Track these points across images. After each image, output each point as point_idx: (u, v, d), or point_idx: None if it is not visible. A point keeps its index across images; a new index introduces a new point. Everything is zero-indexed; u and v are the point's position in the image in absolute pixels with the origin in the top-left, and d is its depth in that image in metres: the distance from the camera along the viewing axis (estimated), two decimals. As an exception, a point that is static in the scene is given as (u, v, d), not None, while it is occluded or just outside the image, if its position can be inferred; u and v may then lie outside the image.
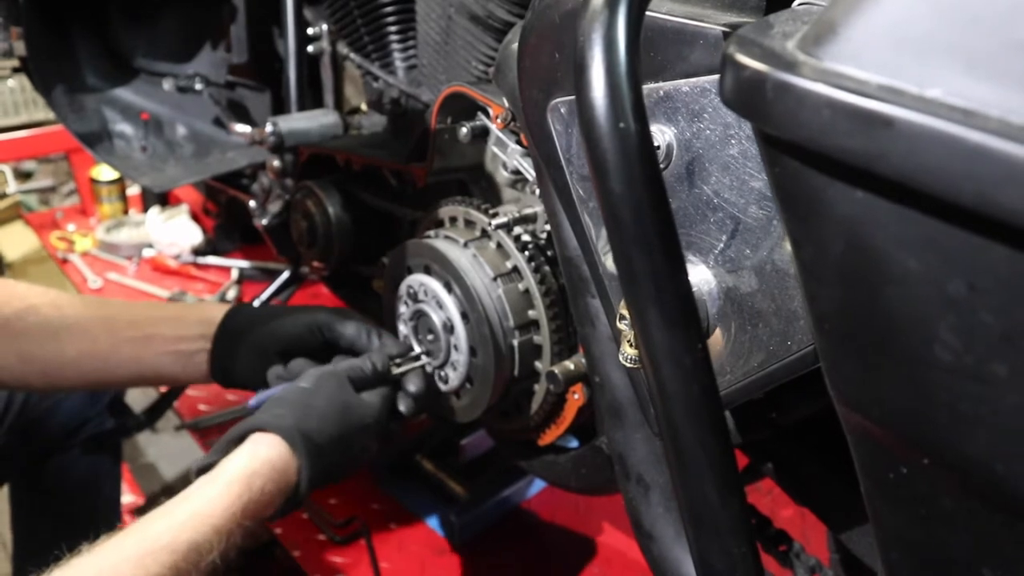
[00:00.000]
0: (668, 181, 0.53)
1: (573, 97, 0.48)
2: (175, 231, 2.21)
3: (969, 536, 0.35)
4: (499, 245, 0.86)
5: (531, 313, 0.85)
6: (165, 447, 1.61)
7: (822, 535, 0.74)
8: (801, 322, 0.49)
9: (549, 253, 0.85)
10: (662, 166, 0.53)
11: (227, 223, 2.25)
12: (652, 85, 0.53)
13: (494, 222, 0.84)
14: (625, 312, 0.50)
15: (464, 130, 0.83)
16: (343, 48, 1.28)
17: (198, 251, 2.19)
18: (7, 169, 3.05)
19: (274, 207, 1.33)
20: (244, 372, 0.88)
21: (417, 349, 0.91)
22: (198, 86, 1.45)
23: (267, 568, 1.24)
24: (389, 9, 1.17)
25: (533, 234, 0.85)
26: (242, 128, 1.36)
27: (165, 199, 2.41)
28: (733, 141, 0.49)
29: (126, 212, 2.45)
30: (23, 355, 0.86)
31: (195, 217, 2.32)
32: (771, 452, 0.73)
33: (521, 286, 0.85)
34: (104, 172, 2.38)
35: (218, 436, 1.47)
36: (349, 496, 1.33)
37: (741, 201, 0.50)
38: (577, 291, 0.71)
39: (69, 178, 3.03)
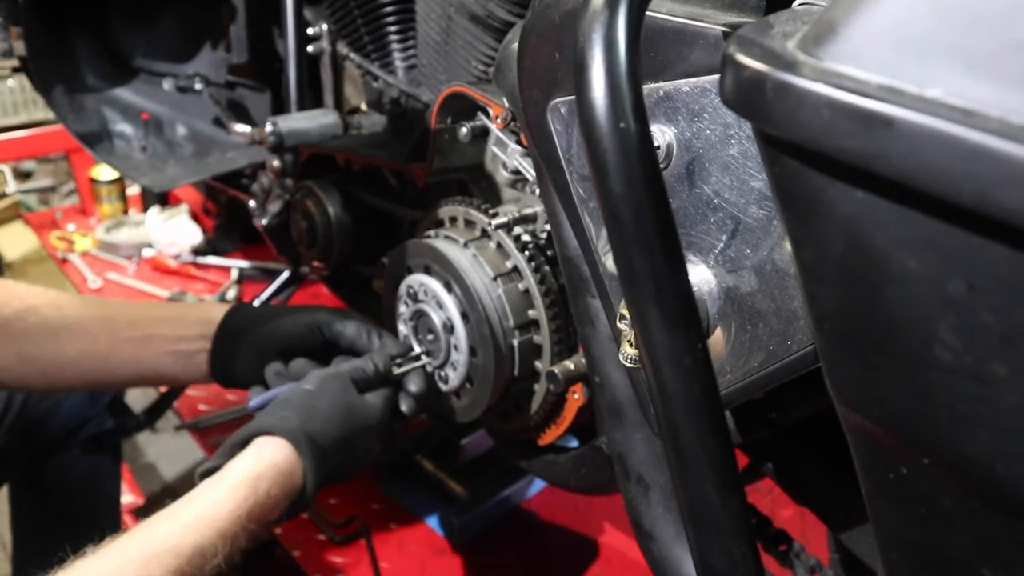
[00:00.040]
0: (668, 181, 0.53)
1: (573, 97, 0.48)
2: (175, 231, 2.21)
3: (969, 536, 0.35)
4: (499, 245, 0.86)
5: (531, 313, 0.85)
6: (165, 447, 1.61)
7: (822, 535, 0.74)
8: (801, 322, 0.49)
9: (549, 253, 0.85)
10: (662, 166, 0.53)
11: (227, 223, 2.25)
12: (652, 85, 0.53)
13: (494, 222, 0.84)
14: (625, 312, 0.50)
15: (464, 130, 0.83)
16: (343, 48, 1.28)
17: (198, 251, 2.19)
18: (7, 169, 3.05)
19: (274, 207, 1.33)
20: (244, 372, 0.87)
21: (417, 349, 0.91)
22: (198, 86, 1.45)
23: (267, 568, 1.24)
24: (389, 9, 1.17)
25: (533, 234, 0.85)
26: (242, 128, 1.36)
27: (165, 199, 2.41)
28: (733, 141, 0.50)
29: (126, 212, 2.45)
30: (23, 355, 0.86)
31: (195, 217, 2.32)
32: (771, 452, 0.73)
33: (521, 286, 0.85)
34: (104, 172, 2.37)
35: (218, 436, 1.49)
36: (349, 496, 1.33)
37: (741, 201, 0.50)
38: (577, 291, 0.71)
39: (69, 178, 3.03)
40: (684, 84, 0.51)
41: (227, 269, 2.15)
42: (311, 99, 1.38)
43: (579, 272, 0.69)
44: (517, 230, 0.85)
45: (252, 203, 1.37)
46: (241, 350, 0.87)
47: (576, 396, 0.85)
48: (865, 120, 0.28)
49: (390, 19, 1.17)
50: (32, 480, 1.24)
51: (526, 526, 1.31)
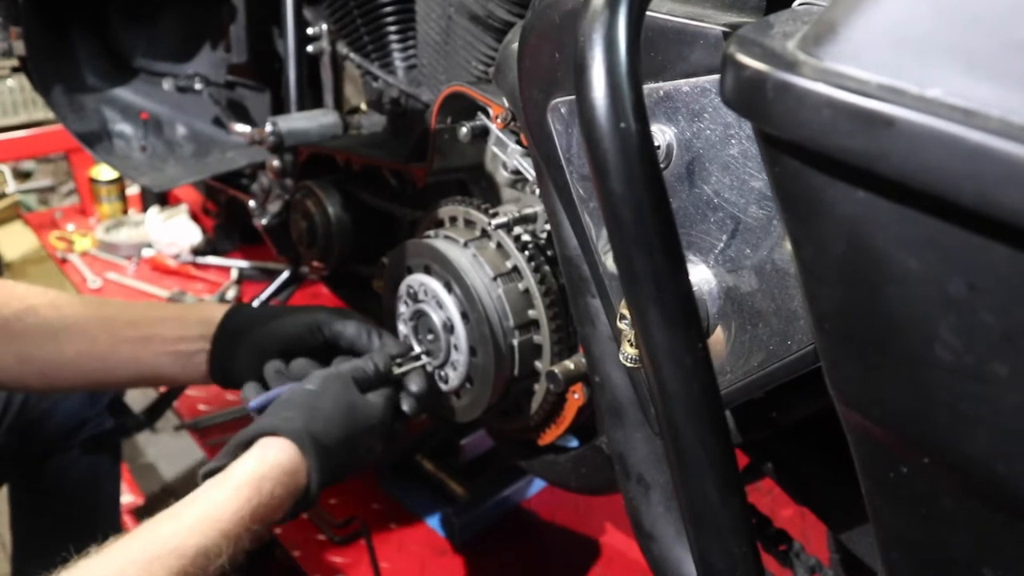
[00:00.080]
0: (668, 181, 0.53)
1: (573, 97, 0.48)
2: (174, 231, 2.21)
3: (969, 536, 0.35)
4: (499, 245, 0.86)
5: (531, 313, 0.85)
6: (165, 447, 1.61)
7: (822, 535, 0.74)
8: (801, 322, 0.49)
9: (549, 253, 0.85)
10: (662, 166, 0.53)
11: (227, 223, 2.25)
12: (652, 85, 0.53)
13: (494, 222, 0.84)
14: (625, 312, 0.50)
15: (464, 130, 0.83)
16: (343, 48, 1.28)
17: (197, 251, 2.19)
18: (6, 169, 3.05)
19: (274, 207, 1.33)
20: (244, 372, 0.87)
21: (417, 349, 0.91)
22: (198, 86, 1.45)
23: (267, 568, 1.23)
24: (389, 9, 1.17)
25: (533, 234, 0.85)
26: (242, 128, 1.36)
27: (165, 199, 2.41)
28: (733, 141, 0.50)
29: (125, 212, 2.45)
30: (22, 356, 0.86)
31: (195, 217, 2.32)
32: (771, 452, 0.73)
33: (521, 286, 0.85)
34: (103, 172, 2.37)
35: (218, 436, 1.49)
36: (349, 496, 1.33)
37: (741, 201, 0.50)
38: (577, 291, 0.71)
39: (68, 178, 3.03)
40: (684, 84, 0.51)
41: (227, 269, 2.15)
42: (311, 99, 1.38)
43: (579, 272, 0.69)
44: (517, 230, 0.85)
45: (252, 203, 1.37)
46: (241, 350, 0.87)
47: (576, 396, 0.85)
48: (866, 120, 0.28)
49: (390, 19, 1.17)
50: (32, 480, 1.24)
51: (526, 526, 1.31)
